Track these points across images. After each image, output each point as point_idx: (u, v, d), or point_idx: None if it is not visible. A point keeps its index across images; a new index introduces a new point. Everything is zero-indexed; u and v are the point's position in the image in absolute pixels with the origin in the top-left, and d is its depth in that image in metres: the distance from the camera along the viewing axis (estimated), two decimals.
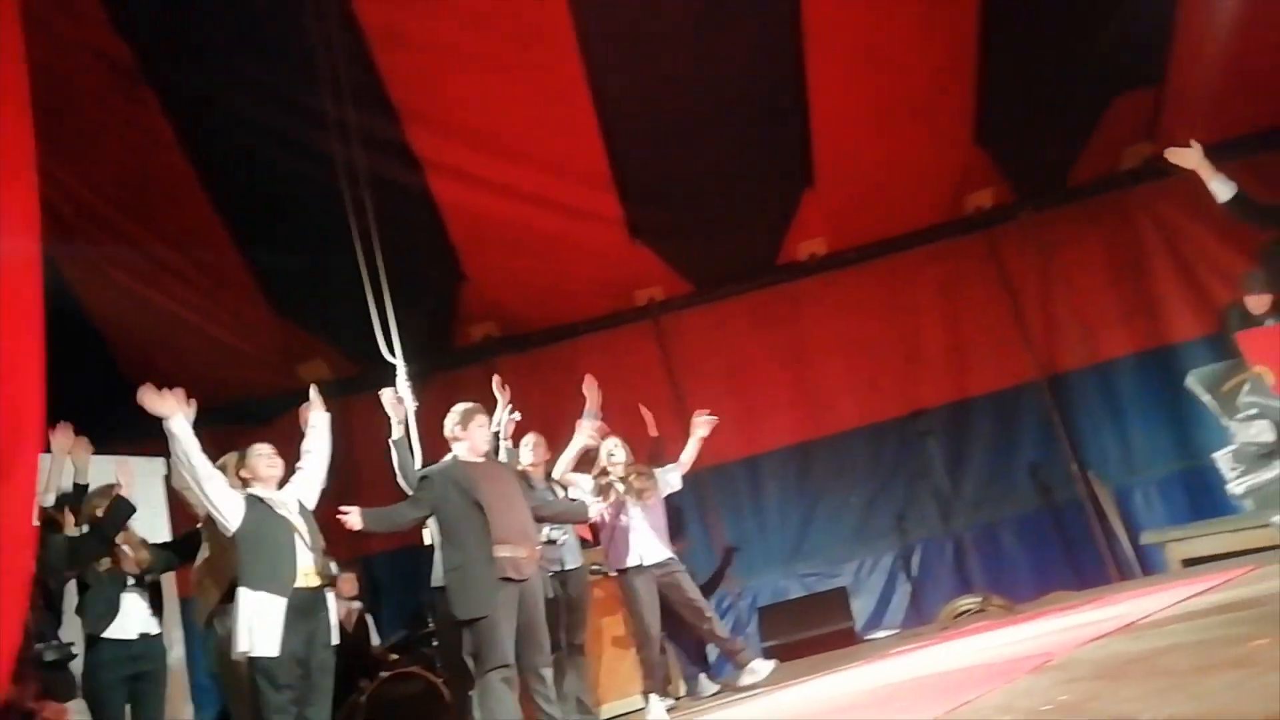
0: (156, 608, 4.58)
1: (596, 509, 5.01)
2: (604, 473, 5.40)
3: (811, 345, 8.17)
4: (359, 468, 6.58)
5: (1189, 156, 4.54)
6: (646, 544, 5.24)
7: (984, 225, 8.07)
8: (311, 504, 4.36)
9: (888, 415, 7.91)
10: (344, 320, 6.48)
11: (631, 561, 5.21)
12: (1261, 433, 5.09)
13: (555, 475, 5.34)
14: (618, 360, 8.19)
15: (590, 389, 5.52)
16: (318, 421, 4.58)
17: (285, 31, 5.98)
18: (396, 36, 6.32)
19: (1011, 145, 7.54)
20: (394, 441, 4.84)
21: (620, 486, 5.30)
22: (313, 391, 4.65)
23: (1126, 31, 6.83)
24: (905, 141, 7.36)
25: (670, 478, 5.52)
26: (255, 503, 4.14)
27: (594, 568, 5.76)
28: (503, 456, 5.08)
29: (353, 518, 4.28)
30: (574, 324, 8.21)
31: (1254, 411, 5.12)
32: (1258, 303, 5.57)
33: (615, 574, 5.37)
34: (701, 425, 5.49)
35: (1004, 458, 7.83)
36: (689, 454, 5.51)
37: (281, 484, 4.34)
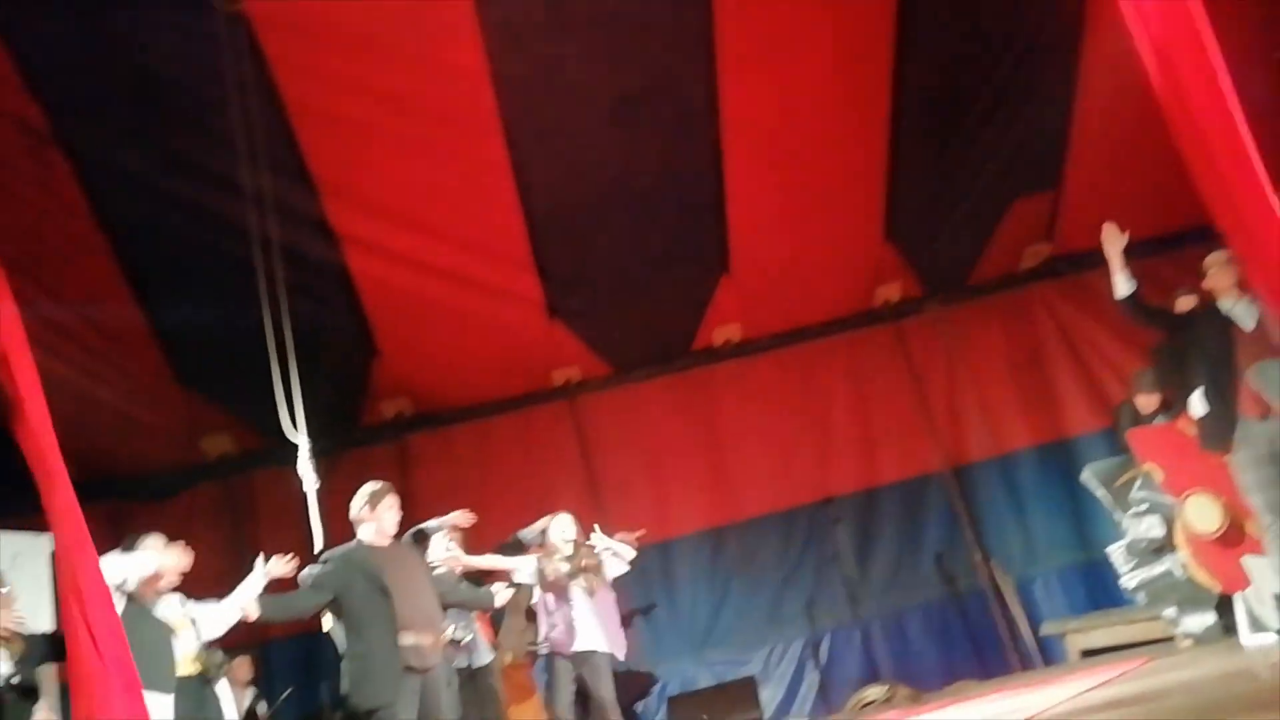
0: (27, 701, 4.27)
1: (502, 597, 4.93)
2: (549, 552, 5.29)
3: (726, 430, 8.24)
4: (261, 548, 6.37)
5: (1115, 242, 4.74)
6: (584, 629, 5.12)
7: (892, 317, 8.30)
8: (207, 636, 4.20)
9: (798, 502, 7.98)
10: (252, 392, 6.32)
11: (567, 646, 5.11)
12: (1152, 528, 5.27)
13: (502, 563, 5.24)
14: (532, 440, 8.17)
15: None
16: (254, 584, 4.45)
17: (205, 101, 5.93)
18: (319, 113, 6.31)
19: (919, 241, 7.83)
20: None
21: (564, 567, 5.20)
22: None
23: (1026, 138, 7.20)
24: (818, 234, 7.59)
25: (617, 564, 5.43)
26: (129, 602, 3.96)
27: (531, 646, 5.64)
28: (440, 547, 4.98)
29: (250, 606, 4.13)
30: (489, 403, 8.14)
31: (1145, 507, 5.31)
32: (1147, 402, 5.85)
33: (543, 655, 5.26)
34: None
35: (910, 546, 7.95)
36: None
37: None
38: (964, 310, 8.25)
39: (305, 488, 5.23)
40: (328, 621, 4.82)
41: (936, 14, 6.43)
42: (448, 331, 7.54)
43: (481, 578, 5.50)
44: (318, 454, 5.47)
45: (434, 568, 4.97)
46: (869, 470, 8.06)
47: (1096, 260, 6.68)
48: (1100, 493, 5.68)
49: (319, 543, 4.93)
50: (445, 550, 5.18)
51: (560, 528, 5.31)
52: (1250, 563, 4.63)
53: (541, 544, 5.33)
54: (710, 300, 8.02)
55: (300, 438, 5.35)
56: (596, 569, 5.22)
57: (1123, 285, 4.76)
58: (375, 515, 4.50)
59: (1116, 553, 5.56)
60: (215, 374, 7.22)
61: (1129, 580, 5.49)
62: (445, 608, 4.69)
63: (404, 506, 4.83)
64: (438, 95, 6.39)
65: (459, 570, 5.15)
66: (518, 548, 5.49)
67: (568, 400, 8.26)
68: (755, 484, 8.05)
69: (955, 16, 6.46)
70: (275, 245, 5.87)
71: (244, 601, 4.34)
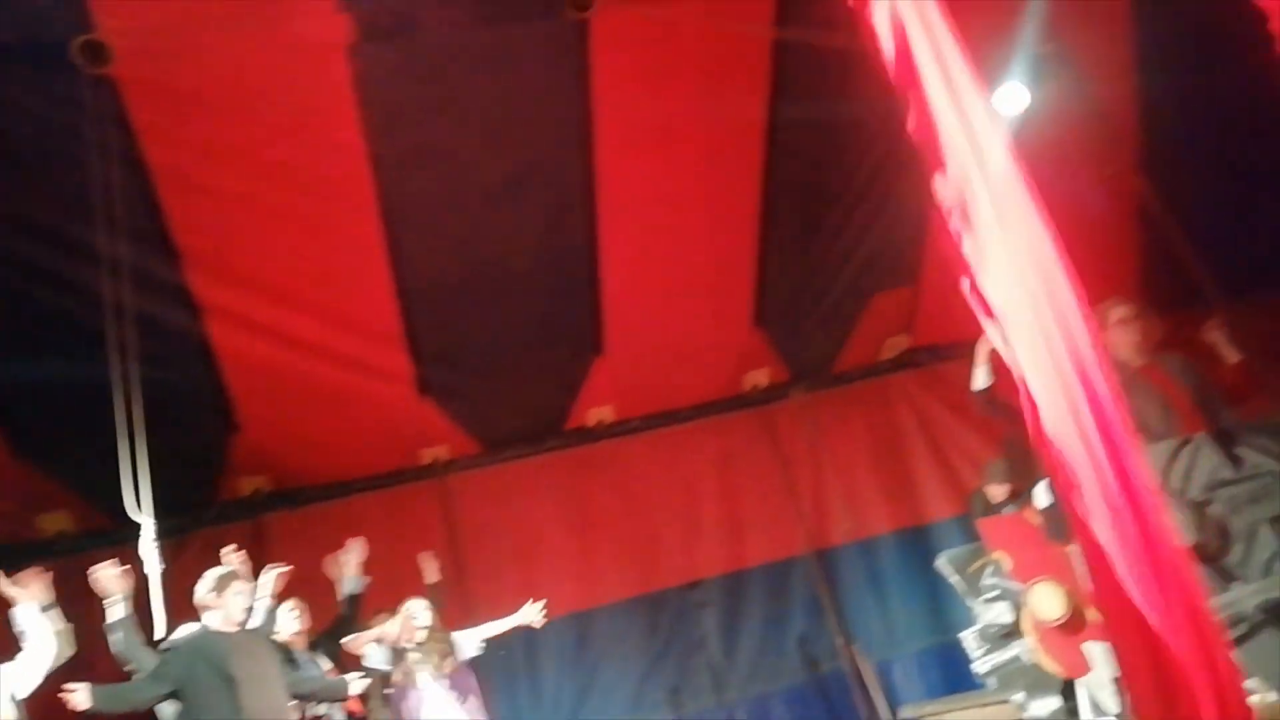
0: None
1: (357, 686, 4.75)
2: (401, 640, 5.12)
3: (596, 512, 8.21)
4: (96, 634, 5.97)
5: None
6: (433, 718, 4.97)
7: (761, 403, 8.50)
8: (21, 694, 3.90)
9: (666, 584, 7.99)
10: (95, 467, 5.99)
11: None
12: (1001, 614, 5.45)
13: (353, 648, 5.03)
14: (398, 520, 7.93)
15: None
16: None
17: (62, 165, 5.70)
18: (187, 182, 6.14)
19: (786, 330, 8.10)
20: (115, 623, 4.35)
21: (416, 655, 5.04)
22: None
23: (886, 236, 7.58)
24: (691, 319, 7.76)
25: (467, 644, 5.30)
26: None
27: None
28: (261, 617, 4.75)
29: (80, 696, 3.87)
30: (353, 481, 7.90)
31: (995, 594, 5.49)
32: (997, 491, 6.12)
33: None
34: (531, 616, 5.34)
35: (775, 630, 8.02)
36: (497, 629, 5.34)
37: None
38: (828, 398, 8.52)
39: (147, 570, 4.94)
40: (167, 713, 4.54)
41: (804, 115, 6.75)
42: (313, 407, 7.33)
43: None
44: (168, 533, 5.20)
45: (289, 656, 4.79)
46: (736, 553, 8.14)
47: (952, 353, 7.05)
48: (954, 579, 5.86)
49: (160, 630, 4.65)
50: (294, 622, 4.99)
51: (412, 615, 5.18)
52: (1091, 649, 4.84)
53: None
54: (584, 381, 8.06)
55: (144, 517, 5.06)
56: (449, 654, 5.11)
57: (981, 379, 5.00)
58: (222, 601, 4.31)
59: (969, 638, 5.72)
60: (57, 448, 6.82)
61: (981, 665, 5.65)
62: (296, 699, 4.48)
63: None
64: (313, 169, 6.32)
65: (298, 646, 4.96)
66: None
67: (436, 480, 8.09)
68: (624, 566, 8.02)
69: (822, 118, 6.79)
70: (130, 315, 5.62)
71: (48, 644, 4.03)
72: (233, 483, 7.71)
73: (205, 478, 7.53)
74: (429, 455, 8.06)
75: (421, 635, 5.09)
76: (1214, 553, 4.15)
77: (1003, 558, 5.37)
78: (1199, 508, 4.18)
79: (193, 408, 6.94)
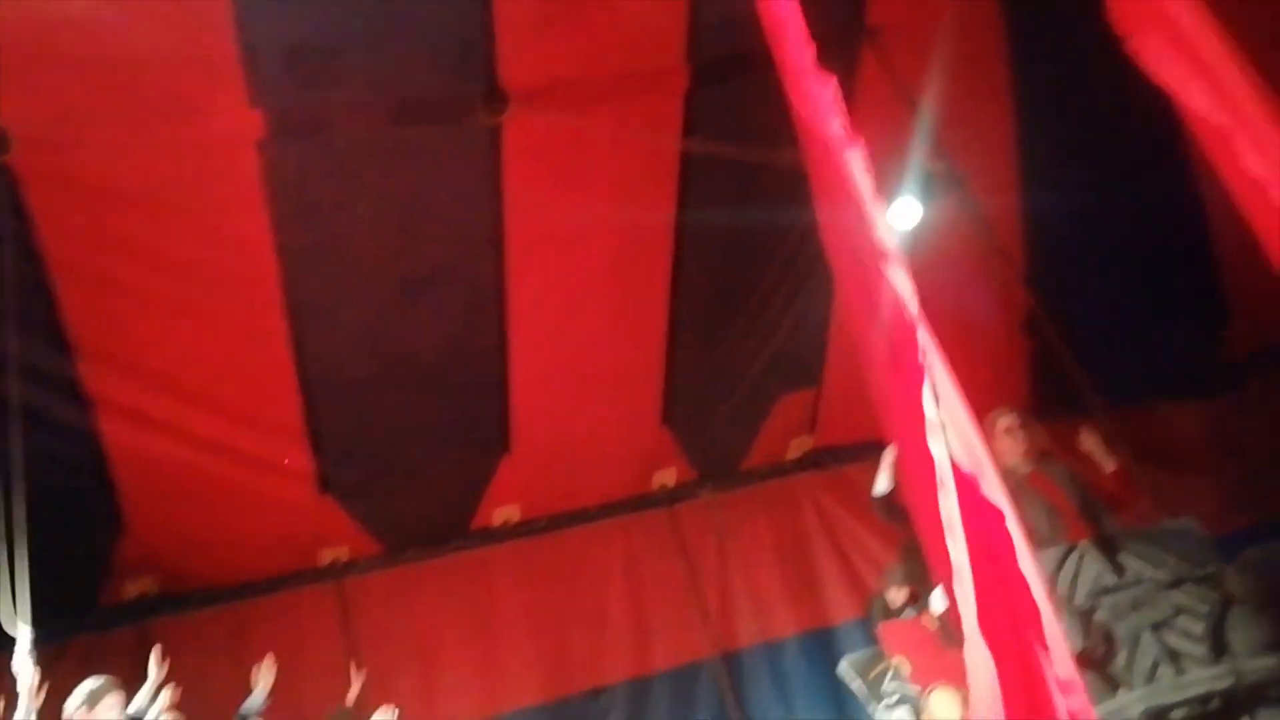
0: None
1: None
2: None
3: (500, 615, 8.00)
4: None
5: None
6: None
7: (668, 502, 8.47)
8: None
9: (570, 691, 7.78)
10: None
11: None
12: (902, 719, 5.48)
13: None
14: (293, 625, 7.62)
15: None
16: None
17: None
18: (85, 273, 6.04)
19: (693, 430, 8.16)
20: None
21: None
22: None
23: (790, 339, 7.76)
24: (599, 418, 7.76)
25: None
26: None
27: None
28: None
29: None
30: (246, 584, 7.58)
31: (895, 699, 5.53)
32: (897, 595, 6.19)
33: None
34: None
35: None
36: None
37: None
38: (735, 497, 8.53)
39: (19, 687, 4.64)
40: None
41: (711, 222, 6.95)
42: (206, 505, 7.06)
43: None
44: (46, 639, 4.90)
45: None
46: (642, 657, 7.98)
47: (854, 454, 7.19)
48: (855, 684, 5.89)
49: None
50: None
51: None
52: None
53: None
54: (491, 479, 7.96)
55: (21, 629, 4.76)
56: None
57: (882, 484, 5.09)
58: (94, 716, 4.08)
59: None
60: None
61: None
62: None
63: None
64: (216, 263, 6.26)
65: None
66: None
67: (334, 582, 7.82)
68: (528, 672, 7.79)
69: (728, 225, 7.00)
70: (15, 409, 5.42)
71: None
72: (117, 585, 7.32)
73: (88, 580, 7.15)
74: (328, 556, 7.80)
75: None
76: (1099, 659, 4.25)
77: (902, 662, 5.42)
78: (1084, 615, 4.29)
79: (76, 505, 6.64)
